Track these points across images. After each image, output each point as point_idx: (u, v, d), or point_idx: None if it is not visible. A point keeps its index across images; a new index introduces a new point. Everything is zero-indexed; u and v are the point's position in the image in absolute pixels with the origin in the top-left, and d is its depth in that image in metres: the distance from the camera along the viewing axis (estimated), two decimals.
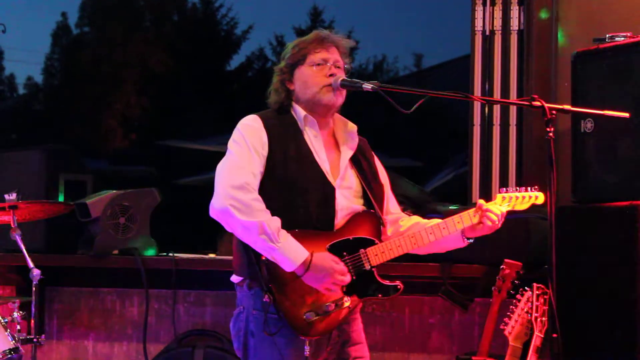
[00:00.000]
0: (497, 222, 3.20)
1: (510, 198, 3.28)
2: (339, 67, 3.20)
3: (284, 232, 2.99)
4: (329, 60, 3.19)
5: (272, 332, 3.02)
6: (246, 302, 3.12)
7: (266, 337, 3.04)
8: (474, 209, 3.21)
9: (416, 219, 3.37)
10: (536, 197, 3.29)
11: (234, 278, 3.19)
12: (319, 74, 3.17)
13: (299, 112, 3.21)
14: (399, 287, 3.16)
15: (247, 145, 3.09)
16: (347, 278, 3.05)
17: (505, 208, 3.25)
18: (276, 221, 2.99)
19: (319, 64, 3.18)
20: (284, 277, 3.01)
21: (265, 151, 3.10)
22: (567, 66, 4.18)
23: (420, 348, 4.80)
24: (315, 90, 3.17)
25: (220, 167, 3.09)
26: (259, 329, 3.06)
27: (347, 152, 3.24)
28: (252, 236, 2.97)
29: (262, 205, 3.01)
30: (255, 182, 3.06)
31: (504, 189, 3.32)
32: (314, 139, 3.18)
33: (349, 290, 3.09)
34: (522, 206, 3.30)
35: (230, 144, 3.14)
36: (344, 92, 3.20)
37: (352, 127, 3.29)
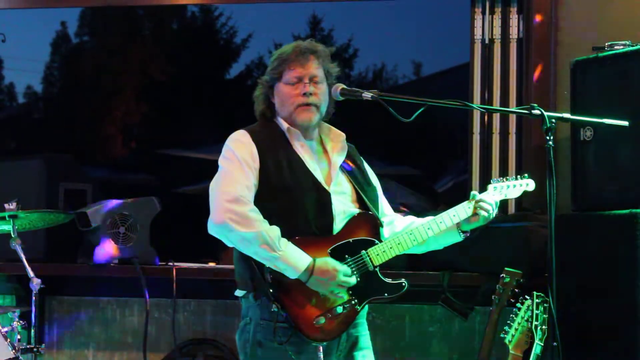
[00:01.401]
0: (491, 212, 3.24)
1: (502, 187, 3.34)
2: (316, 82, 3.19)
3: (284, 240, 3.00)
4: (304, 77, 3.17)
5: (283, 341, 3.02)
6: (253, 313, 3.11)
7: (275, 347, 3.04)
8: (467, 201, 3.25)
9: (411, 217, 3.39)
10: (527, 185, 3.37)
11: (239, 292, 3.18)
12: (293, 93, 3.17)
13: (282, 124, 3.22)
14: (403, 284, 3.17)
15: (238, 159, 3.09)
16: (352, 279, 3.06)
17: (498, 197, 3.30)
18: (275, 230, 3.00)
19: (293, 83, 3.18)
20: (290, 284, 3.02)
21: (256, 164, 3.10)
22: (567, 74, 4.20)
23: (420, 356, 4.79)
24: (291, 109, 3.18)
25: (214, 183, 3.10)
26: (267, 339, 3.06)
27: (337, 159, 3.25)
28: (253, 247, 2.98)
29: (260, 216, 3.01)
30: (250, 195, 3.06)
31: (495, 179, 3.37)
32: (302, 149, 3.20)
33: (355, 292, 3.09)
34: (514, 194, 3.36)
35: (221, 160, 3.14)
36: (323, 107, 3.19)
37: (340, 134, 3.30)
